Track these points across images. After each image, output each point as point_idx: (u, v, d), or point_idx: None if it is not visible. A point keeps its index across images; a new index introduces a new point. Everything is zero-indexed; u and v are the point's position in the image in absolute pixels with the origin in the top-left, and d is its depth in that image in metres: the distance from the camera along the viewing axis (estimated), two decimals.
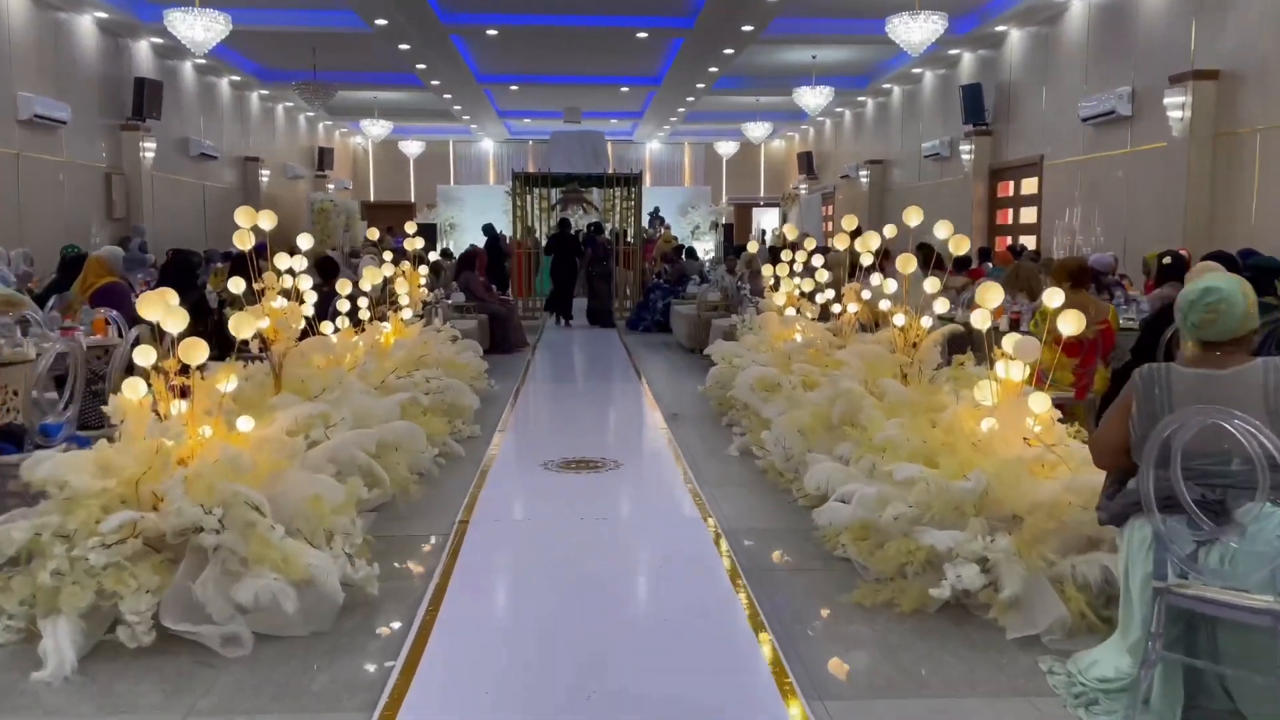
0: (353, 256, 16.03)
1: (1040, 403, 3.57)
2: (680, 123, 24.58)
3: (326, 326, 5.78)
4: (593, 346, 12.91)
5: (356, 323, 6.23)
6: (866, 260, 6.00)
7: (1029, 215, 14.47)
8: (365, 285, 6.77)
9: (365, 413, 4.65)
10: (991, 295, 3.79)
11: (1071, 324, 3.63)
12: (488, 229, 18.17)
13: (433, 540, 4.39)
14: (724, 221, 27.02)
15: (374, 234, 7.87)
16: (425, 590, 3.75)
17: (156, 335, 3.51)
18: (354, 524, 3.85)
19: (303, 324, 4.77)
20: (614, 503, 5.26)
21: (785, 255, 8.16)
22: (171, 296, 3.55)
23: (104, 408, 3.49)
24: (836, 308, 6.17)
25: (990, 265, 11.07)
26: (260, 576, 3.15)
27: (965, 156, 15.72)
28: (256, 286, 4.60)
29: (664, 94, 20.13)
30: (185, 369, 3.46)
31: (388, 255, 7.85)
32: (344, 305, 5.96)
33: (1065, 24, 13.20)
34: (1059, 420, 3.74)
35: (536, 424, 7.53)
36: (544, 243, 16.45)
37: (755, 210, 29.22)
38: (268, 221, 4.68)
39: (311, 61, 17.17)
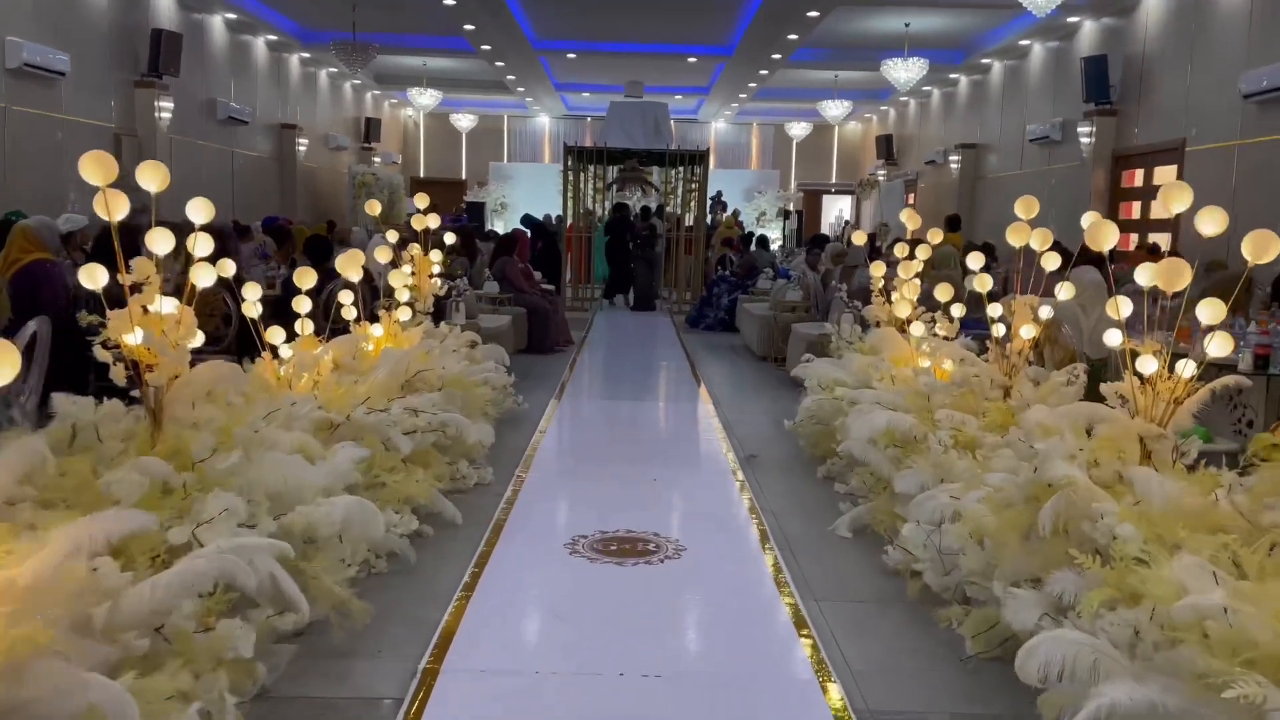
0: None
1: None
2: (749, 100, 22.65)
3: (275, 334, 4.10)
4: (646, 347, 11.16)
5: (322, 329, 4.55)
6: (1051, 263, 4.14)
7: (1164, 209, 12.35)
8: (354, 276, 5.11)
9: (290, 487, 2.95)
10: None
11: None
12: (526, 220, 16.78)
13: (373, 712, 2.67)
14: (795, 208, 25.00)
15: (375, 208, 6.13)
16: None
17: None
18: (224, 700, 2.16)
19: (198, 340, 3.07)
20: (674, 637, 3.32)
21: (899, 250, 6.31)
22: None
23: None
24: (999, 329, 4.31)
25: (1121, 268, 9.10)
26: None
27: (1084, 139, 13.60)
28: (124, 280, 2.91)
29: (735, 66, 18.23)
30: None
31: (392, 236, 6.17)
32: (303, 304, 4.26)
33: None
34: None
35: (570, 466, 5.71)
36: (598, 227, 15.29)
37: (826, 198, 27.18)
38: (152, 180, 2.99)
39: (352, 20, 15.62)
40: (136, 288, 2.91)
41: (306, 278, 4.30)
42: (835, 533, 4.27)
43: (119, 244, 2.82)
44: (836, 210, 26.40)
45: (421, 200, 6.16)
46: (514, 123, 27.29)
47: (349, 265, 4.55)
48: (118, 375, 2.87)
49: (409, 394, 4.80)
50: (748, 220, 23.12)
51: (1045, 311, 4.14)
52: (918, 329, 5.21)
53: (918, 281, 5.49)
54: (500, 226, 21.63)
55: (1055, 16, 12.70)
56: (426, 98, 21.46)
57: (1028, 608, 2.70)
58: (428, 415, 4.20)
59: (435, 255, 6.21)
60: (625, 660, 2.98)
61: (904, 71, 15.94)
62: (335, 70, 20.77)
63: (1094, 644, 2.32)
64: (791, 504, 4.75)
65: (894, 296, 6.23)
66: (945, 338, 5.18)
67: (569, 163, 15.12)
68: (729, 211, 22.69)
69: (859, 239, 6.66)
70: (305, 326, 4.30)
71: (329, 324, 4.78)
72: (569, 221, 15.09)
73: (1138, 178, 13.15)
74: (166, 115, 13.73)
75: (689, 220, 15.60)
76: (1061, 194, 14.81)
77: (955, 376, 4.19)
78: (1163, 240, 12.00)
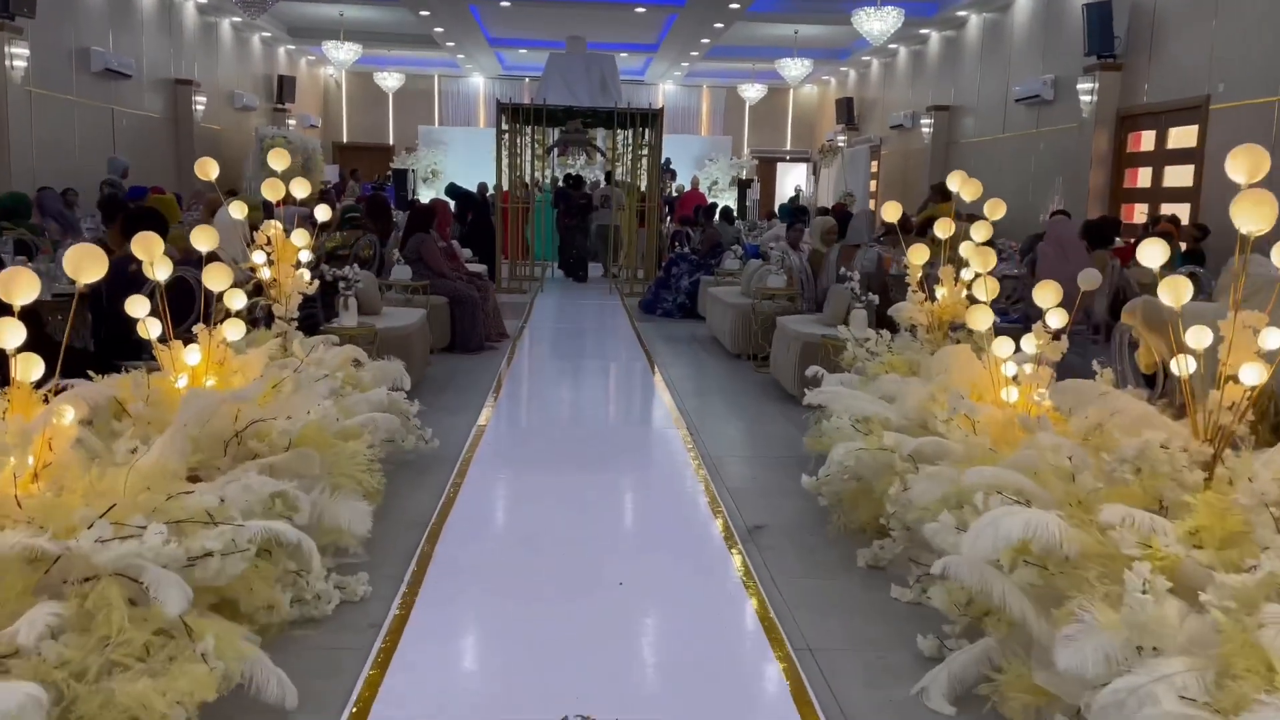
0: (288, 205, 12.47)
1: None
2: (701, 59, 20.84)
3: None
4: (594, 340, 9.42)
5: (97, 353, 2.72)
6: None
7: (1180, 176, 10.89)
8: (155, 273, 3.32)
9: None
10: None
11: None
12: (451, 190, 15.29)
13: None
14: (751, 177, 23.27)
15: (209, 170, 4.18)
16: None
17: None
18: None
19: None
20: None
21: (940, 228, 4.66)
22: None
23: None
24: (1186, 363, 2.64)
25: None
26: None
27: (1084, 98, 12.08)
28: None
29: (688, 17, 16.43)
30: None
31: (238, 212, 4.31)
32: (10, 332, 2.43)
33: None
34: None
35: (491, 559, 3.62)
36: (540, 196, 13.94)
37: (780, 165, 25.54)
38: None
39: None
40: None
41: (19, 284, 2.46)
42: (924, 701, 2.60)
43: None
44: (797, 182, 24.75)
45: (279, 159, 4.29)
46: (445, 83, 25.16)
47: (79, 266, 2.67)
48: None
49: (235, 464, 3.01)
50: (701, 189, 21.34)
51: (1275, 339, 2.48)
52: (1003, 348, 3.54)
53: (995, 281, 3.81)
54: (428, 196, 19.56)
55: None
56: (345, 52, 19.28)
57: None
58: (229, 529, 2.40)
59: (300, 237, 4.36)
60: None
61: (878, 22, 14.34)
62: (240, 20, 18.49)
63: None
64: (833, 628, 3.06)
65: (939, 293, 4.59)
66: (1043, 362, 3.52)
67: (504, 123, 13.20)
68: (678, 180, 20.95)
69: (891, 213, 4.82)
70: (23, 368, 2.47)
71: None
72: (505, 190, 13.19)
73: (1146, 140, 11.67)
74: (21, 64, 11.55)
75: (641, 188, 13.83)
76: (1051, 159, 13.35)
77: (1128, 448, 2.52)
78: (1181, 212, 10.53)
